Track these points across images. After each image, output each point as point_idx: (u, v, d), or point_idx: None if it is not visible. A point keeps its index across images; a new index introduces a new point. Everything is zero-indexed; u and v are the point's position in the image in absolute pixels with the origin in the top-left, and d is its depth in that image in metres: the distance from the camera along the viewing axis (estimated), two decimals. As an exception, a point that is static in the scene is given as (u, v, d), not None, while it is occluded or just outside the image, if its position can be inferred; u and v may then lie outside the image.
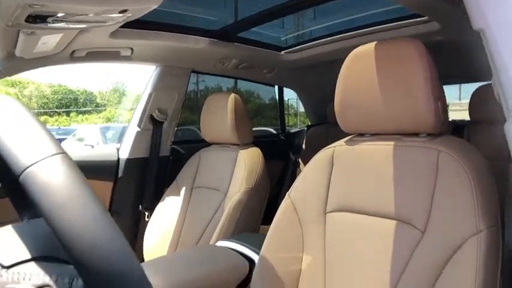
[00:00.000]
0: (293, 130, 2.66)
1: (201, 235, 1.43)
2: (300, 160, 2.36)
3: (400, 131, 0.87)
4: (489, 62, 0.50)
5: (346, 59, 0.91)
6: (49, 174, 0.30)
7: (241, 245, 1.12)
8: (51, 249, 0.37)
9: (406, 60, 0.81)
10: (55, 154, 0.32)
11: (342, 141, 0.97)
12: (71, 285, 0.34)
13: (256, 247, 1.07)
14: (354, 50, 0.90)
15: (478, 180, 0.72)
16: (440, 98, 0.82)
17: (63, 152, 0.33)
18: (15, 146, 0.31)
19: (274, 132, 2.87)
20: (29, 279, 0.34)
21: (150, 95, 1.68)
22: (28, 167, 0.30)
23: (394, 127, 0.87)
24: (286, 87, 2.52)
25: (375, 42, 0.87)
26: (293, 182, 2.17)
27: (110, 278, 0.28)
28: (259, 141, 1.62)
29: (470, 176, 0.72)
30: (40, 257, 0.36)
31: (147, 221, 1.59)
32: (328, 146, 0.98)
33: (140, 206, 1.68)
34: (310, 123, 2.70)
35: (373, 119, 0.88)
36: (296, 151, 2.41)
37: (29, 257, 0.36)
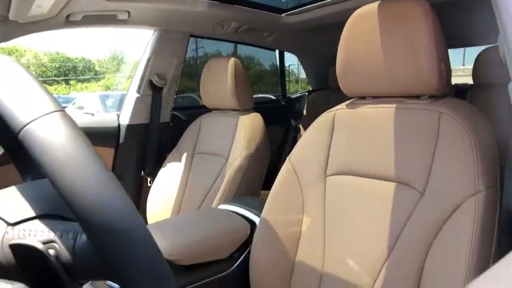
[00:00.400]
0: (294, 95, 2.63)
1: (203, 200, 1.45)
2: (300, 126, 2.36)
3: (402, 93, 0.86)
4: (496, 18, 0.49)
5: (348, 20, 0.89)
6: (48, 132, 0.30)
7: (243, 208, 1.13)
8: (56, 208, 0.37)
9: (411, 20, 0.79)
10: (54, 111, 0.31)
11: (343, 105, 0.96)
12: (75, 241, 0.34)
13: (257, 210, 1.09)
14: (357, 11, 0.88)
15: (479, 141, 0.72)
16: (444, 59, 0.80)
17: (62, 110, 0.32)
18: (14, 104, 0.31)
19: (275, 98, 2.84)
20: (34, 236, 0.35)
21: (148, 60, 1.65)
22: (27, 124, 0.30)
23: (396, 89, 0.86)
24: (287, 51, 2.47)
25: (378, 2, 0.84)
26: (294, 147, 2.18)
27: (113, 233, 0.29)
28: (260, 107, 1.61)
29: (471, 137, 0.72)
30: (44, 215, 0.37)
31: (150, 187, 1.62)
32: (329, 110, 0.98)
33: (142, 172, 1.69)
34: (311, 89, 2.67)
35: (375, 82, 0.87)
36: (297, 117, 2.40)
37: (33, 214, 0.37)
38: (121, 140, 1.64)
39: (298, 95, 2.62)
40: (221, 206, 1.19)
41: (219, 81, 1.48)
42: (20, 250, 0.34)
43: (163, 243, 0.92)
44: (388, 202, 0.81)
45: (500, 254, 0.65)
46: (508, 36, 0.55)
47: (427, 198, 0.75)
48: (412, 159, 0.80)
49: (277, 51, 2.47)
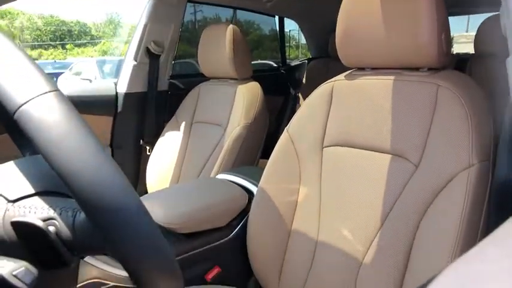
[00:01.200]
0: (294, 63, 2.59)
1: (202, 168, 1.47)
2: (299, 95, 2.34)
3: (401, 65, 0.85)
4: None
5: None
6: (43, 112, 0.30)
7: (241, 177, 1.15)
8: (55, 184, 0.38)
9: None
10: (48, 92, 0.31)
11: (341, 76, 0.95)
12: (74, 218, 0.35)
13: (255, 179, 1.10)
14: None
15: (475, 115, 0.72)
16: (445, 30, 0.79)
17: (57, 89, 0.32)
18: (8, 84, 0.31)
19: (275, 65, 2.80)
20: (34, 213, 0.36)
21: (145, 27, 1.61)
22: (22, 105, 0.30)
23: (395, 61, 0.85)
24: (287, 17, 2.41)
25: None
26: (292, 116, 2.18)
27: (110, 211, 0.29)
28: (259, 75, 1.59)
29: (467, 111, 0.72)
30: (44, 192, 0.38)
31: (149, 155, 1.63)
32: (328, 81, 0.97)
33: (141, 140, 1.70)
34: (311, 57, 2.62)
35: (374, 53, 0.86)
36: (296, 85, 2.38)
37: (33, 191, 0.37)
38: (119, 109, 1.63)
39: (297, 62, 2.58)
40: (220, 176, 1.21)
41: (217, 50, 1.46)
42: (21, 227, 0.35)
43: (164, 212, 0.94)
44: (383, 174, 0.82)
45: (489, 227, 0.67)
46: (510, 7, 0.53)
47: (421, 170, 0.76)
48: (408, 132, 0.80)
49: (276, 17, 2.40)
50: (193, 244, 0.96)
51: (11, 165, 0.42)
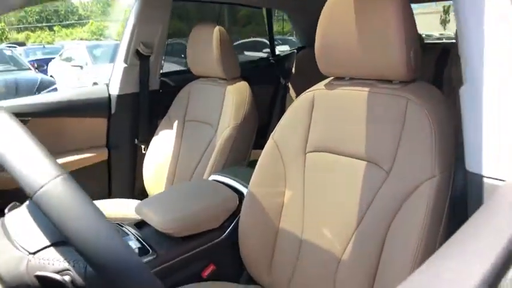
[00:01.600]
0: (283, 53, 2.63)
1: (196, 166, 1.54)
2: (289, 84, 2.39)
3: (376, 77, 0.92)
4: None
5: (325, 5, 0.92)
6: (57, 195, 0.38)
7: (232, 179, 1.23)
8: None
9: (382, 11, 0.83)
10: (58, 176, 0.39)
11: (321, 85, 1.02)
12: (85, 270, 0.43)
13: (245, 180, 1.18)
14: None
15: (439, 129, 0.79)
16: (414, 47, 0.85)
17: (65, 173, 0.39)
18: (24, 170, 0.38)
19: (265, 56, 2.84)
20: (53, 265, 0.44)
21: (133, 29, 1.65)
22: (38, 190, 0.37)
23: (370, 73, 0.92)
24: (275, 8, 2.42)
25: None
26: (283, 106, 2.24)
27: (116, 272, 0.37)
28: (250, 66, 1.63)
29: (432, 126, 0.80)
30: (57, 243, 0.46)
31: (144, 153, 1.70)
32: (309, 90, 1.03)
33: (136, 139, 1.76)
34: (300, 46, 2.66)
35: (351, 64, 0.93)
36: (286, 75, 2.43)
37: (48, 243, 0.45)
38: (113, 110, 1.68)
39: (287, 52, 2.61)
40: (212, 177, 1.29)
41: (205, 50, 1.50)
42: (43, 279, 0.43)
43: (161, 219, 1.03)
44: (359, 179, 0.90)
45: (447, 236, 0.75)
46: (464, 34, 0.60)
47: (391, 178, 0.84)
48: (381, 141, 0.88)
49: (264, 10, 2.42)
50: (189, 246, 1.05)
51: (23, 212, 0.50)
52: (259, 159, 1.07)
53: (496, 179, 0.58)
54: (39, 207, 0.37)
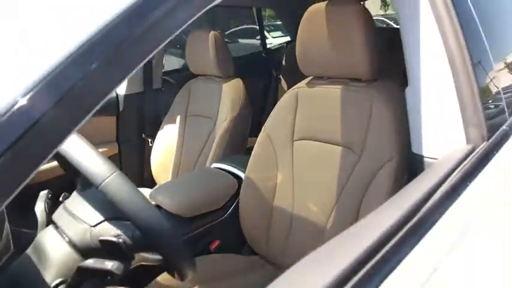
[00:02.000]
0: (274, 47, 2.79)
1: (198, 156, 1.73)
2: (281, 76, 2.55)
3: (347, 76, 1.10)
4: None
5: (305, 14, 1.09)
6: (115, 187, 0.57)
7: (231, 166, 1.42)
8: (115, 213, 0.65)
9: (349, 22, 1.00)
10: (114, 172, 0.58)
11: (303, 83, 1.20)
12: (132, 235, 0.63)
13: (242, 167, 1.37)
14: (309, 9, 1.08)
15: (397, 119, 0.98)
16: (375, 50, 1.02)
17: (117, 170, 0.58)
18: (90, 168, 0.57)
19: (257, 43, 2.99)
20: (110, 232, 0.63)
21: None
22: (102, 182, 0.56)
23: (342, 73, 1.10)
24: (264, 7, 2.57)
25: (326, 3, 1.04)
26: (276, 96, 2.43)
27: (154, 232, 0.57)
28: (243, 61, 1.77)
29: (391, 117, 0.98)
30: (109, 218, 0.65)
31: (151, 146, 1.88)
32: (293, 88, 1.21)
33: (143, 134, 1.94)
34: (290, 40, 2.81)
35: (326, 66, 1.11)
36: (277, 67, 2.59)
37: (103, 218, 0.65)
38: (120, 109, 1.86)
39: (277, 46, 2.77)
40: (214, 165, 1.47)
41: (202, 53, 1.67)
42: (104, 242, 0.62)
43: (172, 202, 1.22)
44: (337, 161, 1.09)
45: None
46: (407, 48, 0.78)
47: (362, 161, 1.03)
48: (354, 129, 1.06)
49: (254, 8, 2.57)
50: (197, 224, 1.24)
51: (81, 197, 0.69)
52: (254, 149, 1.25)
53: (432, 158, 0.76)
54: (106, 194, 0.57)
